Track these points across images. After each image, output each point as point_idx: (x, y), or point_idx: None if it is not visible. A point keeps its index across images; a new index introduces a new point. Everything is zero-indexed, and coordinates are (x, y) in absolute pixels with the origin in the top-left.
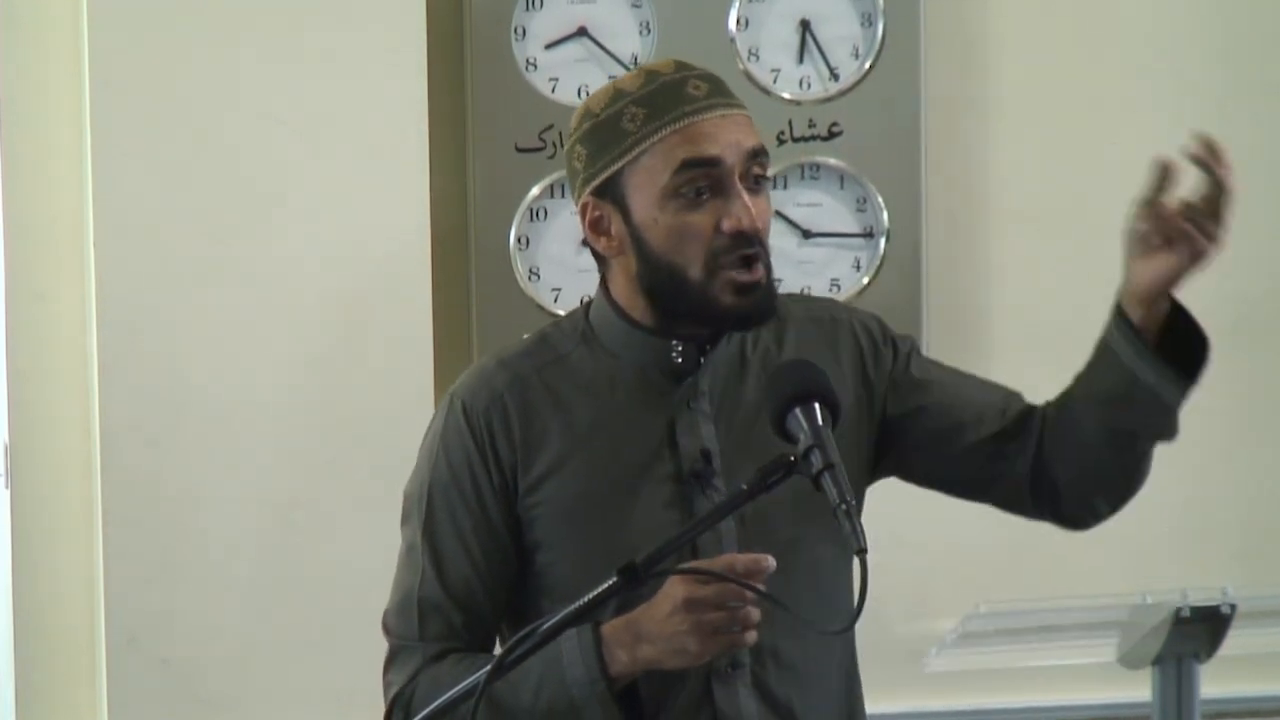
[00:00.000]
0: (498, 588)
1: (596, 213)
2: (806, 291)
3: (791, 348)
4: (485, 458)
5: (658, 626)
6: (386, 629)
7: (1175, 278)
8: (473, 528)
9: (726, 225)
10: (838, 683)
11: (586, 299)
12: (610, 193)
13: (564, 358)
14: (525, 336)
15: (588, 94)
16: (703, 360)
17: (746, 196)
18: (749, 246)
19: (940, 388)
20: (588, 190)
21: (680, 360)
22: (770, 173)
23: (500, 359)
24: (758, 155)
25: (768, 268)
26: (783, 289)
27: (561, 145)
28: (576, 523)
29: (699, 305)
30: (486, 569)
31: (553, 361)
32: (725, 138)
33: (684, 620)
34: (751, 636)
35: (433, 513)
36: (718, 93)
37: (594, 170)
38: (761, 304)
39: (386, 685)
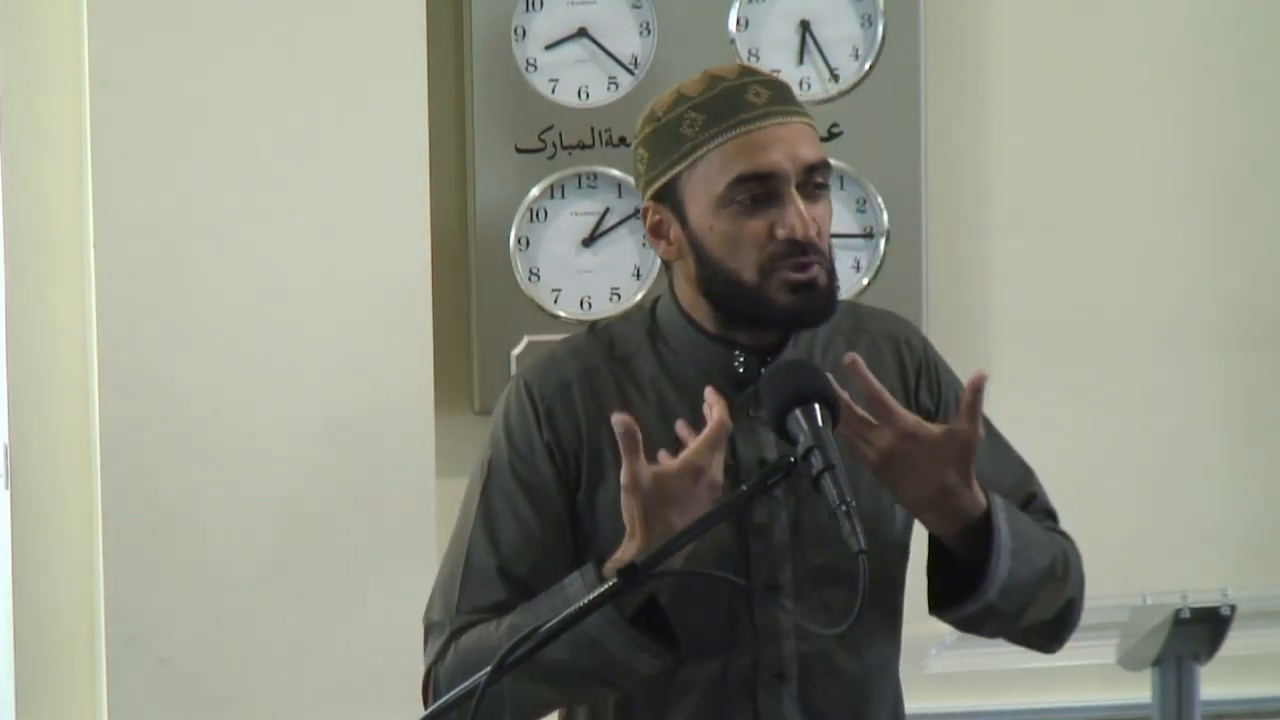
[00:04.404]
0: (552, 565)
1: (656, 217)
2: None
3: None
4: (547, 441)
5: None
6: (426, 617)
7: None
8: (531, 507)
9: (780, 232)
10: (890, 696)
11: (652, 297)
12: (669, 197)
13: (632, 355)
14: (593, 325)
15: (588, 95)
16: (763, 370)
17: (801, 204)
18: (803, 254)
19: None
20: (649, 194)
21: (742, 370)
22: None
23: (572, 346)
24: (816, 169)
25: (829, 271)
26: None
27: (561, 146)
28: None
29: (755, 306)
30: (542, 546)
31: (621, 357)
32: (781, 149)
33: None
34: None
35: (490, 494)
36: (778, 100)
37: (654, 174)
38: (818, 303)
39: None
